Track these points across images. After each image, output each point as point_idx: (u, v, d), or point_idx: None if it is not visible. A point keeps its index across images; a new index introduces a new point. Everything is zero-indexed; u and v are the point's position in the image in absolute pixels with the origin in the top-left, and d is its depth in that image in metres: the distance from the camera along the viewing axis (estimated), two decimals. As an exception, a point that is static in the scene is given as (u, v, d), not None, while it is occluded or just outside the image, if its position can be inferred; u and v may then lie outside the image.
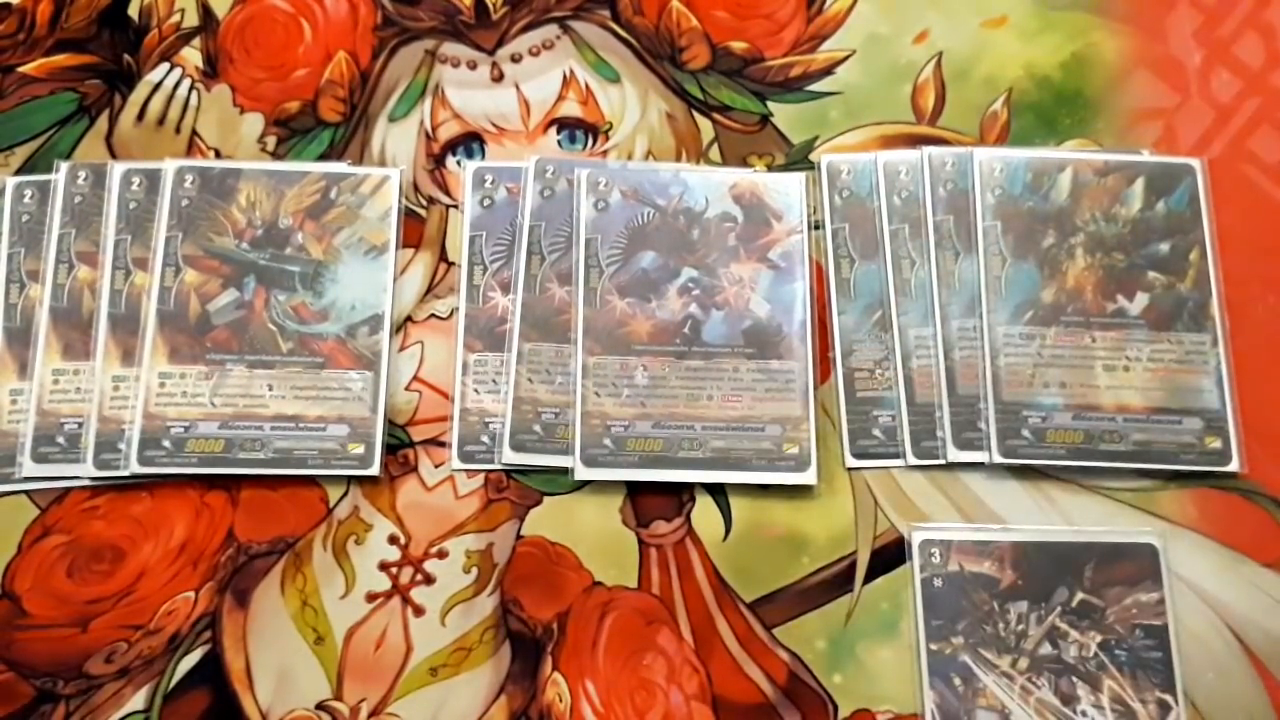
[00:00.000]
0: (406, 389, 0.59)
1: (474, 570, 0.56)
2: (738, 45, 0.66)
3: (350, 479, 0.58)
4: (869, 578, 0.56)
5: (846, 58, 0.66)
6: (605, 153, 0.64)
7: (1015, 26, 0.66)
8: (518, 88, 0.65)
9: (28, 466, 0.57)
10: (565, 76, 0.65)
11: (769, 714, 0.54)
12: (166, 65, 0.66)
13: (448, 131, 0.64)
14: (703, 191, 0.61)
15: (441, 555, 0.57)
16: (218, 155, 0.63)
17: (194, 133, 0.64)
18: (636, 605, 0.56)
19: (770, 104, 0.65)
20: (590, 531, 0.57)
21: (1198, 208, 0.61)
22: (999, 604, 0.55)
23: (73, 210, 0.60)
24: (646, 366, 0.58)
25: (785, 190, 0.61)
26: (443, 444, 0.58)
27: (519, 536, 0.57)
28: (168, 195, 0.60)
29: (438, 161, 0.64)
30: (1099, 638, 0.54)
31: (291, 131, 0.64)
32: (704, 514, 0.57)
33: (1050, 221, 0.60)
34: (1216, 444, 0.57)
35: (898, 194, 0.62)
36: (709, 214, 0.61)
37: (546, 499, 0.58)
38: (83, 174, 0.61)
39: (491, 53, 0.66)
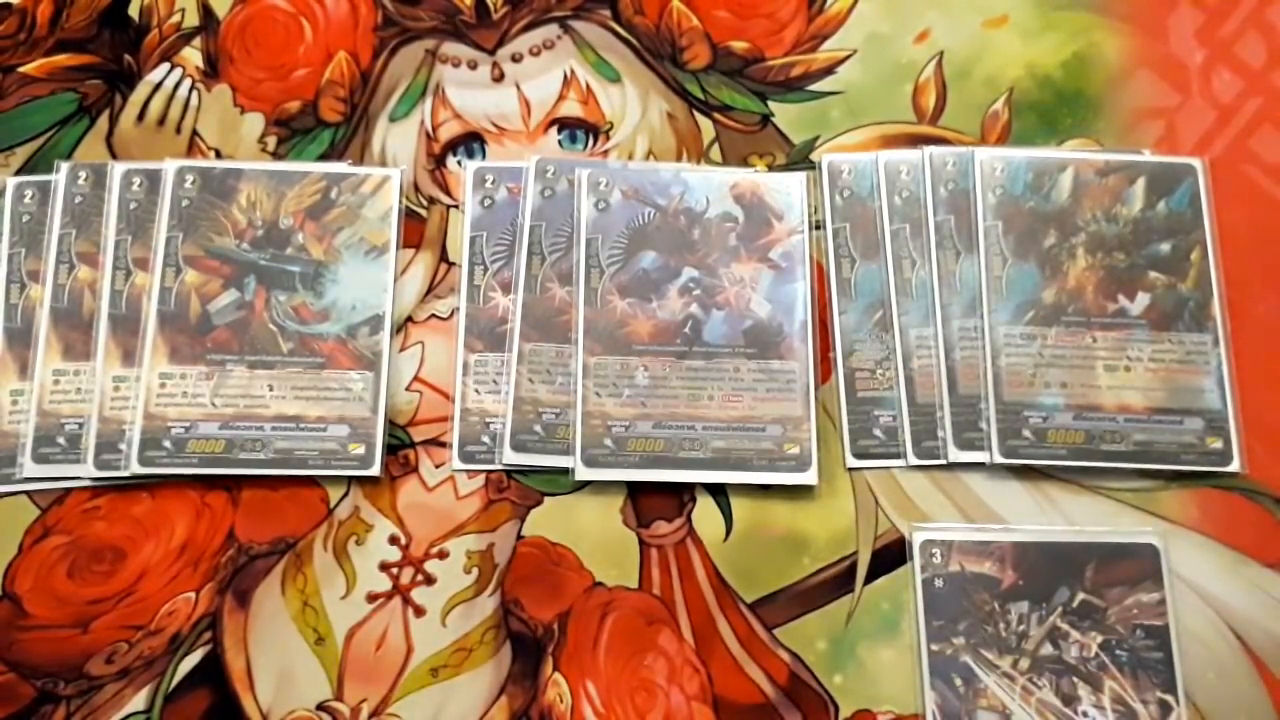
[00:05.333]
0: (407, 389, 0.59)
1: (475, 571, 0.56)
2: (739, 45, 0.66)
3: (351, 479, 0.58)
4: (870, 578, 0.56)
5: (847, 57, 0.66)
6: (606, 152, 0.64)
7: (1016, 26, 0.66)
8: (518, 87, 0.65)
9: (28, 467, 0.57)
10: (566, 76, 0.65)
11: (770, 714, 0.54)
12: (167, 65, 0.65)
13: (448, 131, 0.64)
14: (703, 191, 0.61)
15: (442, 556, 0.57)
16: (218, 155, 0.63)
17: (194, 133, 0.64)
18: (637, 606, 0.56)
19: (771, 104, 0.65)
20: (591, 532, 0.57)
21: (1199, 208, 0.61)
22: (1000, 604, 0.55)
23: (73, 210, 0.60)
24: (647, 366, 0.58)
25: (786, 190, 0.61)
26: (443, 444, 0.58)
27: (520, 537, 0.57)
28: (168, 195, 0.60)
29: (438, 161, 0.64)
30: (1100, 638, 0.54)
31: (292, 131, 0.64)
32: (705, 514, 0.57)
33: (1051, 221, 0.60)
34: (1217, 444, 0.57)
35: (899, 194, 0.62)
36: (710, 214, 0.61)
37: (547, 499, 0.58)
38: (83, 174, 0.61)
39: (492, 52, 0.66)
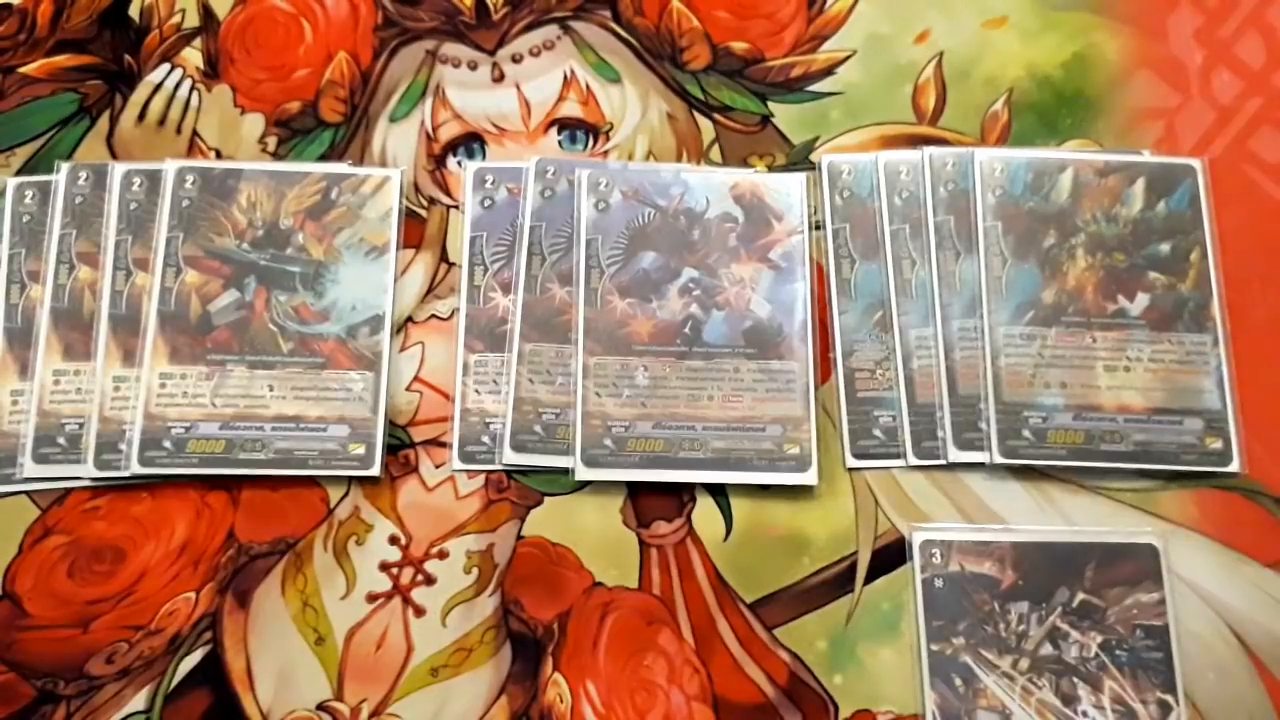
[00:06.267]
0: (407, 389, 0.59)
1: (475, 571, 0.56)
2: (738, 45, 0.66)
3: (351, 479, 0.58)
4: (870, 578, 0.56)
5: (847, 58, 0.66)
6: (606, 153, 0.64)
7: (1016, 26, 0.66)
8: (518, 88, 0.65)
9: (29, 467, 0.57)
10: (566, 77, 0.65)
11: (770, 714, 0.54)
12: (167, 66, 0.66)
13: (448, 132, 0.64)
14: (703, 192, 0.61)
15: (442, 556, 0.57)
16: (218, 156, 0.63)
17: (195, 133, 0.64)
18: (637, 606, 0.56)
19: (771, 104, 0.65)
20: (591, 532, 0.57)
21: (1198, 208, 0.61)
22: (1000, 604, 0.55)
23: (73, 211, 0.60)
24: (647, 367, 0.58)
25: (786, 190, 0.61)
26: (443, 444, 0.58)
27: (520, 537, 0.57)
28: (168, 196, 0.60)
29: (438, 162, 0.64)
30: (1100, 638, 0.54)
31: (292, 132, 0.64)
32: (705, 514, 0.57)
33: (1051, 222, 0.60)
34: (1217, 444, 0.57)
35: (898, 194, 0.62)
36: (710, 214, 0.61)
37: (547, 499, 0.58)
38: (83, 174, 0.61)
39: (492, 53, 0.66)
